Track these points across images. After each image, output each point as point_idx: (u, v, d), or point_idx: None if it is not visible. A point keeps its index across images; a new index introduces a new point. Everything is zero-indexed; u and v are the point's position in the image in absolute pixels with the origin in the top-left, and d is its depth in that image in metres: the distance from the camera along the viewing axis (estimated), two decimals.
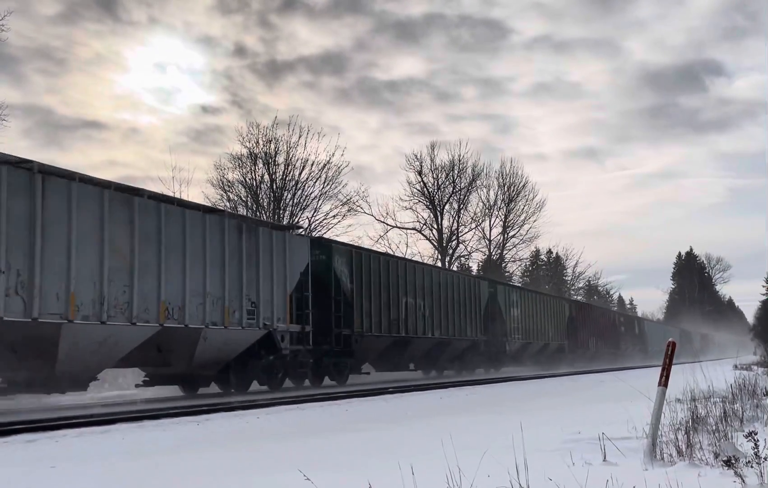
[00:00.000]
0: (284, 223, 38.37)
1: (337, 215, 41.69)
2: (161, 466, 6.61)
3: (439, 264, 48.83)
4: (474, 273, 51.24)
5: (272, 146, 40.34)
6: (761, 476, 4.91)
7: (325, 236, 35.99)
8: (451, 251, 53.63)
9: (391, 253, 42.15)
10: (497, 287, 33.93)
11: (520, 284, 51.87)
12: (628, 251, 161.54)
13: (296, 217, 40.41)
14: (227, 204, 39.23)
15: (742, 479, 4.89)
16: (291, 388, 19.65)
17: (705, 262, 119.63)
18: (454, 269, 48.93)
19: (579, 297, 69.74)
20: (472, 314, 30.07)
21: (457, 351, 29.51)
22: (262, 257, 17.64)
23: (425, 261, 46.14)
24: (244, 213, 38.42)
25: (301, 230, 19.72)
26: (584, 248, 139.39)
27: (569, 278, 70.81)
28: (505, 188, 57.48)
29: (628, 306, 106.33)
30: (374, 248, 36.96)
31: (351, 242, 30.23)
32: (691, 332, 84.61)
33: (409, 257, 41.73)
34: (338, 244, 23.09)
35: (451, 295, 28.27)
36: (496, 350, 32.51)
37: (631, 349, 57.80)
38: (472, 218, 55.11)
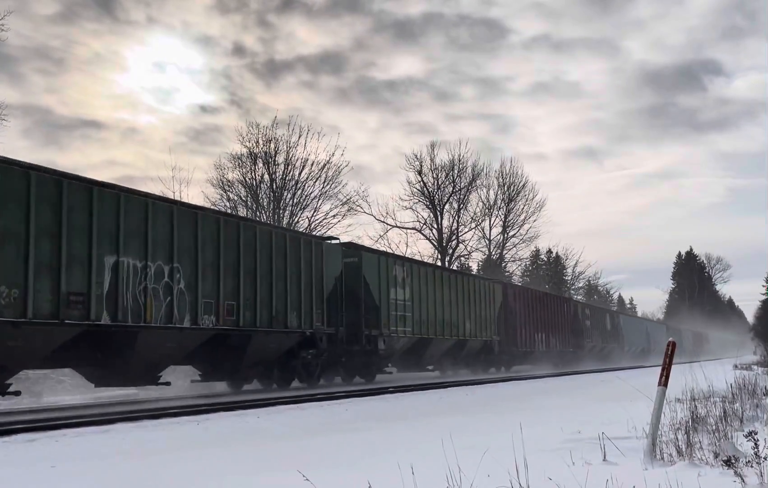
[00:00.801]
0: (284, 224, 38.25)
1: (337, 214, 41.79)
2: (161, 466, 6.61)
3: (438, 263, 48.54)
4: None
5: (272, 146, 40.44)
6: (761, 476, 4.91)
7: (325, 235, 35.58)
8: (451, 251, 53.68)
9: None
10: (362, 257, 22.69)
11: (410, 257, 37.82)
12: (628, 251, 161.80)
13: (296, 217, 40.51)
14: (227, 204, 39.32)
15: (742, 479, 4.89)
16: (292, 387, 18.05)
17: (705, 262, 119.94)
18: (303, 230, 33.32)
19: (580, 297, 69.60)
20: (301, 294, 19.01)
21: (272, 351, 18.53)
22: None
23: (405, 251, 41.34)
24: (244, 213, 38.47)
25: None
26: (584, 248, 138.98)
27: (569, 278, 70.85)
28: (505, 188, 57.55)
29: (628, 306, 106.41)
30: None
31: None
32: (682, 330, 76.84)
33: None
34: None
35: (252, 258, 17.29)
36: (360, 349, 22.04)
37: (601, 348, 49.28)
38: (471, 218, 55.12)
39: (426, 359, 26.85)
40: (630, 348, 56.68)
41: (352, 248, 23.86)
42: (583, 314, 46.18)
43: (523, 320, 34.97)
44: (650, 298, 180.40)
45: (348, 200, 42.94)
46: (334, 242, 22.86)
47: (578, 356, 43.18)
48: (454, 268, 47.23)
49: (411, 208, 52.33)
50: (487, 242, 56.95)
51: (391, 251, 40.40)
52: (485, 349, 31.18)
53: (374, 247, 36.21)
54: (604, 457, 6.05)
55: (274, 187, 40.46)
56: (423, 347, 25.91)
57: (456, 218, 53.97)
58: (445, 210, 53.38)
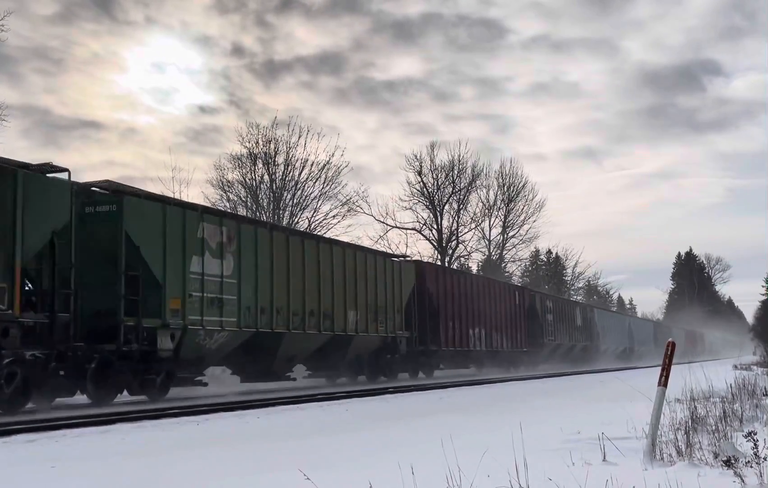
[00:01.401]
0: (284, 224, 38.38)
1: (336, 215, 41.81)
2: (161, 466, 6.61)
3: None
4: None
5: (272, 146, 40.48)
6: (761, 476, 4.91)
7: (326, 236, 35.11)
8: (450, 252, 53.71)
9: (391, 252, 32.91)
10: (125, 203, 14.44)
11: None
12: (628, 251, 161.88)
13: (296, 217, 40.57)
14: (227, 204, 39.38)
15: (741, 479, 4.89)
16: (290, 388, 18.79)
17: (704, 262, 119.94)
18: None
19: (580, 297, 69.50)
20: None
21: None
22: None
23: (424, 259, 39.51)
24: (244, 213, 38.56)
25: None
26: (584, 248, 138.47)
27: (569, 279, 70.86)
28: (505, 189, 57.60)
29: (628, 306, 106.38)
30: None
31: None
32: (673, 328, 70.63)
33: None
34: None
35: None
36: (119, 351, 13.88)
37: (569, 347, 42.51)
38: (471, 219, 55.13)
39: (281, 363, 19.23)
40: (608, 348, 50.88)
41: (104, 189, 14.78)
42: (544, 307, 38.53)
43: (451, 311, 27.79)
44: (650, 298, 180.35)
45: (348, 200, 43.00)
46: (56, 175, 13.16)
47: (536, 358, 36.57)
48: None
49: (411, 208, 52.39)
50: (487, 242, 57.05)
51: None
52: (387, 348, 23.69)
53: (373, 247, 34.81)
54: (604, 457, 6.06)
55: (274, 187, 40.50)
56: (270, 346, 18.25)
57: (456, 218, 54.05)
58: (444, 211, 53.48)
